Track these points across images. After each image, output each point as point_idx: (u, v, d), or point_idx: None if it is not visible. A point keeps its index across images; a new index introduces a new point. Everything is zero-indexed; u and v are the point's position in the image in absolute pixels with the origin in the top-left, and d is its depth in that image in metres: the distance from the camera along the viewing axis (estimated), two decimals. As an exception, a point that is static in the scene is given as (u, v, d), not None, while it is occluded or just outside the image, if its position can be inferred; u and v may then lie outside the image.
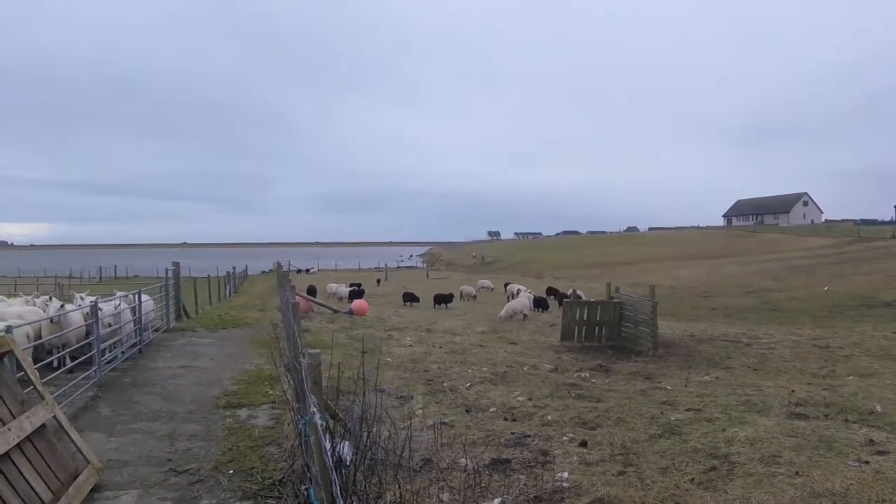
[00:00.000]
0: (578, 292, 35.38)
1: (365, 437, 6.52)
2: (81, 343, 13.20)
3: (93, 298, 14.33)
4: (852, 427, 9.46)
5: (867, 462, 7.67)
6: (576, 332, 19.88)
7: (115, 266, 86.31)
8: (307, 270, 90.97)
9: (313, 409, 5.12)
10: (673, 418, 9.93)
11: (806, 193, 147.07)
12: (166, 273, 22.29)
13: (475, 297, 43.55)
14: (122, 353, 14.80)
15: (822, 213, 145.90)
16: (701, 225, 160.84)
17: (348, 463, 6.31)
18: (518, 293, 36.22)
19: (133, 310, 15.83)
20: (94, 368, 12.01)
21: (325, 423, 5.61)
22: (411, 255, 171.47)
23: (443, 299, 37.35)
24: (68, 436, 7.35)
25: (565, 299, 25.94)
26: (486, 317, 28.66)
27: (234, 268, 52.75)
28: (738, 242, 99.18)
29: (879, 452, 8.06)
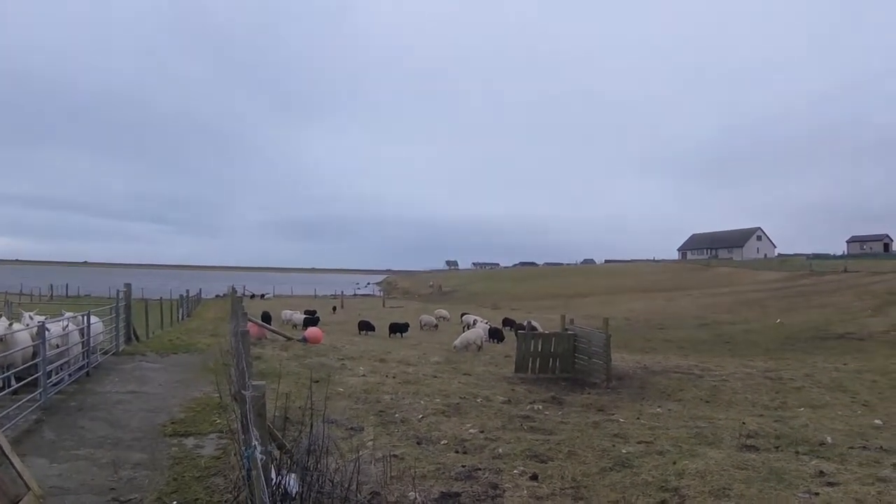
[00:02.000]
0: (534, 323, 35.49)
1: (313, 470, 6.40)
2: (27, 364, 12.87)
3: (41, 318, 14.00)
4: (803, 459, 9.52)
5: (817, 494, 7.71)
6: (530, 364, 19.85)
7: (67, 284, 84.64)
8: (262, 296, 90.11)
9: (255, 443, 5.01)
10: (624, 451, 9.90)
11: (759, 228, 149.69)
12: (117, 294, 21.88)
13: (436, 326, 43.54)
14: (69, 375, 14.47)
15: (776, 247, 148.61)
16: (656, 258, 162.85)
17: (294, 495, 6.18)
18: (474, 323, 36.26)
19: (81, 331, 15.48)
20: (39, 391, 11.70)
21: (270, 456, 5.50)
22: (368, 283, 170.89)
23: (398, 328, 37.26)
24: (9, 460, 7.11)
25: (519, 331, 25.96)
26: (441, 347, 28.58)
27: (187, 291, 52.14)
28: (693, 276, 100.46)
29: (829, 484, 8.11)
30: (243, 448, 5.79)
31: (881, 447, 10.41)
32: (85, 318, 15.89)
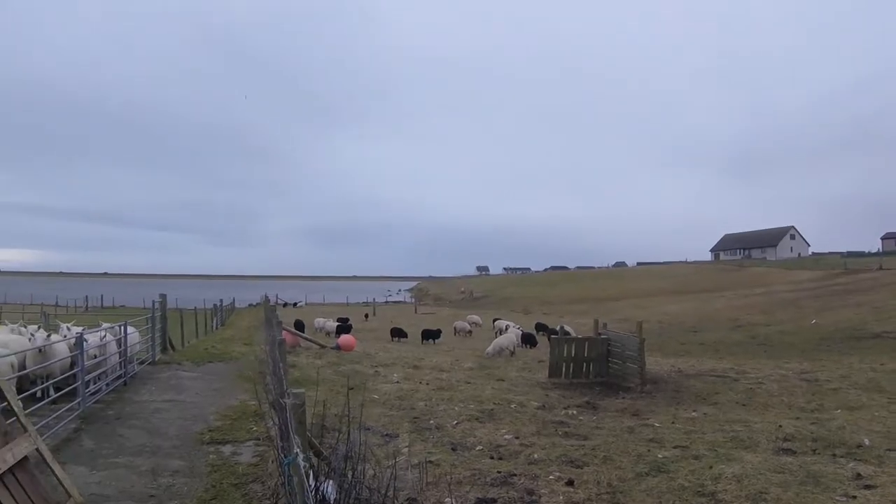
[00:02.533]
0: (567, 328, 35.41)
1: (350, 476, 6.47)
2: (66, 374, 13.09)
3: (79, 329, 14.22)
4: (840, 461, 9.46)
5: (854, 497, 7.67)
6: (563, 369, 19.82)
7: (102, 295, 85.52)
8: (295, 304, 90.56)
9: (297, 450, 5.08)
10: (660, 456, 9.89)
11: (793, 227, 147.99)
12: (153, 305, 22.13)
13: (470, 332, 43.52)
14: (107, 385, 14.66)
15: (809, 245, 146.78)
16: (689, 259, 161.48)
17: (332, 502, 6.25)
18: (507, 329, 36.21)
19: (119, 341, 15.69)
20: (77, 400, 11.92)
21: (308, 463, 5.57)
22: (399, 290, 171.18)
23: (431, 335, 37.30)
24: (50, 468, 7.26)
25: (553, 336, 25.92)
26: (474, 353, 28.57)
27: (220, 300, 52.56)
28: (726, 277, 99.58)
29: (867, 486, 8.06)
30: (282, 455, 5.88)
31: (920, 449, 10.30)
32: (122, 328, 16.12)
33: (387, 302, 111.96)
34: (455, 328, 43.79)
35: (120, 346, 15.70)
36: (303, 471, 4.94)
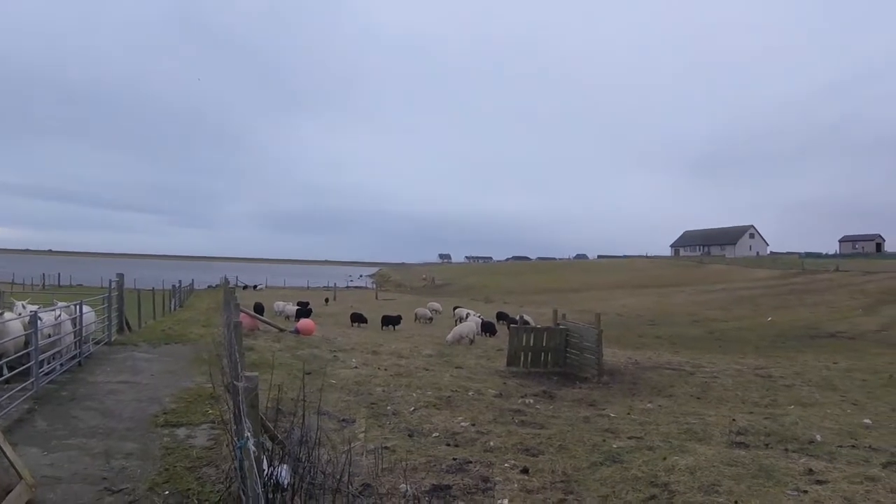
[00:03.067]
0: (526, 317, 35.53)
1: (304, 461, 6.43)
2: (20, 353, 12.84)
3: (33, 307, 13.97)
4: (792, 456, 9.58)
5: (805, 491, 7.76)
6: (522, 358, 19.92)
7: (59, 274, 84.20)
8: (254, 287, 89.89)
9: (248, 434, 5.03)
10: (615, 446, 9.95)
11: (752, 226, 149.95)
12: (109, 284, 21.82)
13: (430, 319, 43.49)
14: (62, 365, 14.39)
15: (768, 245, 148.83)
16: (649, 254, 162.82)
17: (286, 486, 6.20)
18: (467, 317, 36.28)
19: (74, 321, 15.44)
20: (31, 380, 11.70)
21: (262, 447, 5.53)
22: (361, 276, 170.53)
23: (391, 321, 37.26)
24: (1, 450, 7.12)
25: (512, 325, 26.02)
26: (434, 340, 28.60)
27: (179, 281, 52.04)
28: (685, 272, 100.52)
29: (818, 482, 8.16)
30: (236, 439, 5.82)
31: (870, 446, 10.49)
32: (77, 307, 15.86)
33: (348, 287, 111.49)
34: (416, 314, 43.78)
35: (75, 326, 15.45)
36: (253, 455, 4.88)
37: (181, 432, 10.02)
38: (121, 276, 23.19)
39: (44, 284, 73.44)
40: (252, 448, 4.86)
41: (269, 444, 7.21)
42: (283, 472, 6.33)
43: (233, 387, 7.10)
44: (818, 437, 10.93)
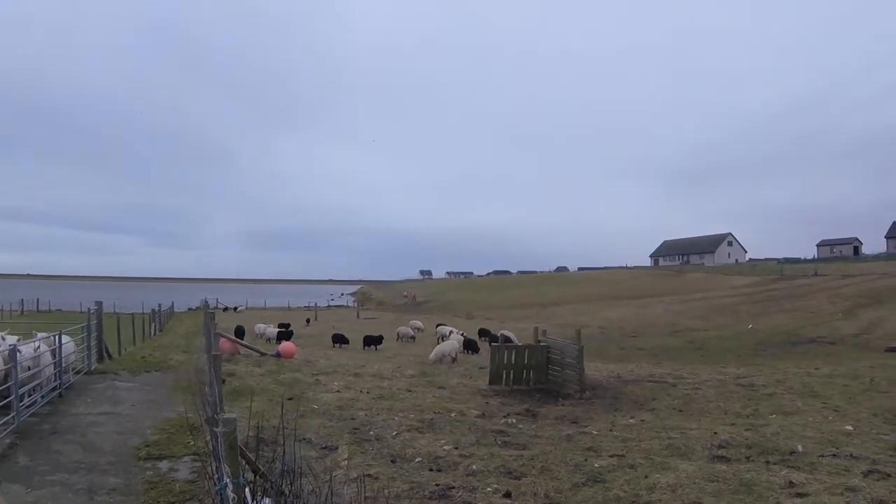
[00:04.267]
0: (507, 333, 35.52)
1: (287, 493, 6.41)
2: (0, 387, 12.74)
3: (13, 339, 13.86)
4: (773, 469, 9.64)
5: (785, 506, 7.82)
6: (504, 376, 19.90)
7: (38, 299, 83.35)
8: (235, 309, 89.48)
9: (227, 479, 5.04)
10: (597, 465, 9.98)
11: (730, 234, 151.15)
12: (88, 312, 21.66)
13: (413, 338, 43.43)
14: (42, 397, 14.28)
15: (746, 252, 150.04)
16: (629, 265, 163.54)
17: (269, 520, 6.19)
18: (449, 335, 36.28)
19: (53, 352, 15.31)
20: (12, 415, 11.58)
21: (242, 485, 5.52)
22: (342, 294, 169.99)
23: (372, 341, 37.19)
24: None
25: (493, 343, 26.04)
26: (416, 359, 28.53)
27: (159, 305, 51.74)
28: (665, 282, 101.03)
29: (798, 495, 8.23)
30: (216, 481, 5.81)
31: (851, 454, 10.55)
32: (57, 338, 15.74)
33: (329, 306, 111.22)
34: (398, 334, 43.74)
35: (55, 357, 15.33)
36: (232, 502, 4.90)
37: (163, 465, 9.95)
38: (99, 303, 23.06)
39: (22, 310, 72.68)
40: (231, 495, 4.86)
41: (250, 476, 7.18)
42: (266, 505, 6.31)
43: (213, 420, 7.09)
44: (799, 448, 11.00)
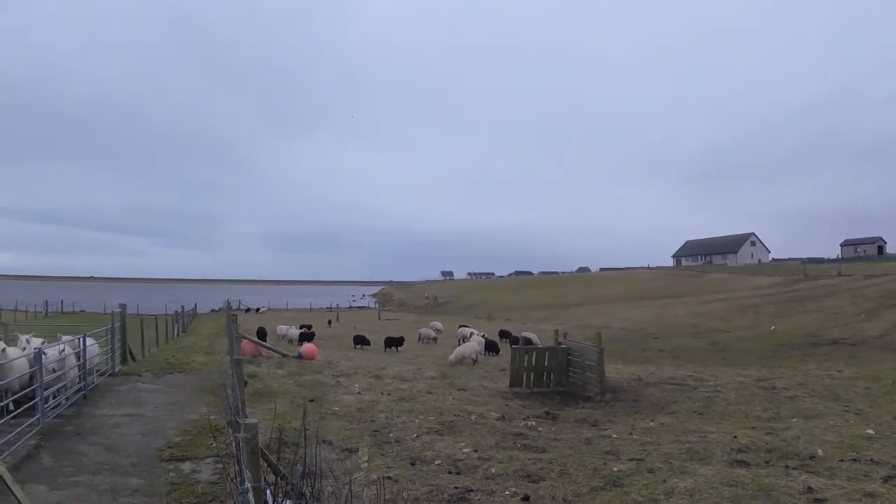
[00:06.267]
0: (528, 335, 35.51)
1: (308, 496, 6.48)
2: (25, 389, 12.92)
3: (38, 342, 14.06)
4: (792, 474, 9.59)
5: (804, 511, 7.82)
6: (524, 379, 19.94)
7: (62, 300, 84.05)
8: (257, 310, 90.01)
9: (248, 484, 5.13)
10: (616, 469, 9.99)
11: (753, 233, 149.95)
12: (112, 314, 21.88)
13: (434, 339, 43.50)
14: (67, 399, 14.50)
15: (769, 252, 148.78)
16: (651, 265, 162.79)
17: (291, 522, 6.27)
18: (470, 336, 36.30)
19: (78, 354, 15.52)
20: (37, 416, 11.76)
21: (263, 489, 5.60)
22: (364, 295, 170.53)
23: (393, 342, 37.30)
24: (10, 490, 7.21)
25: (514, 346, 26.08)
26: (437, 361, 28.57)
27: (182, 307, 52.15)
28: (687, 283, 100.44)
29: (817, 500, 8.21)
30: (238, 483, 5.90)
31: (871, 459, 10.47)
32: (81, 340, 15.94)
33: (350, 307, 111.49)
34: (420, 335, 43.84)
35: (79, 359, 15.53)
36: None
37: (186, 466, 10.09)
38: (123, 306, 23.32)
39: (46, 311, 73.26)
40: (252, 500, 4.95)
41: (272, 478, 7.27)
42: (287, 509, 6.40)
43: (235, 423, 7.19)
44: (819, 452, 10.94)
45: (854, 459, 10.52)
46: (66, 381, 14.57)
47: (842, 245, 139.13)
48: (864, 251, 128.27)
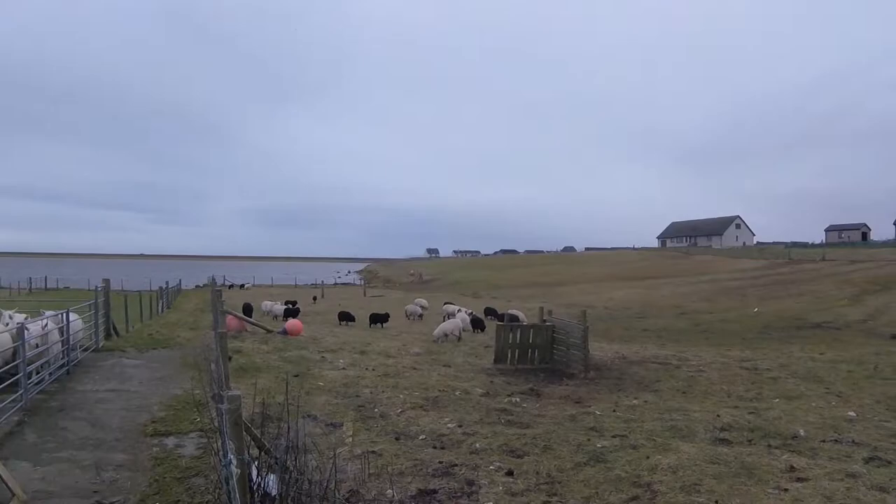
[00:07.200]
0: (515, 313, 35.57)
1: (292, 469, 6.49)
2: (8, 365, 12.83)
3: (21, 317, 13.97)
4: (774, 452, 9.68)
5: (786, 490, 7.88)
6: (509, 355, 19.99)
7: (46, 277, 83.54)
8: (242, 286, 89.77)
9: (230, 456, 5.12)
10: (599, 445, 10.06)
11: (738, 216, 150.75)
12: (96, 290, 21.77)
13: (421, 316, 43.48)
14: (50, 374, 14.42)
15: (754, 235, 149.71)
16: (636, 246, 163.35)
17: (274, 496, 6.28)
18: (456, 313, 36.32)
19: (61, 329, 15.42)
20: (20, 392, 11.71)
21: (247, 462, 5.60)
22: (349, 272, 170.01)
23: (379, 318, 37.28)
24: (-6, 468, 7.19)
25: (498, 323, 26.13)
26: (422, 337, 28.57)
27: (167, 282, 51.96)
28: (672, 264, 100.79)
29: (799, 479, 8.28)
30: (221, 456, 5.89)
31: (853, 440, 10.56)
32: (64, 315, 15.85)
33: (336, 284, 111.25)
34: (406, 311, 43.80)
35: (63, 335, 15.44)
36: (235, 478, 4.98)
37: (170, 441, 10.09)
38: (107, 281, 23.18)
39: (30, 288, 72.88)
40: (235, 471, 4.95)
41: (255, 452, 7.27)
42: (271, 482, 6.41)
43: (219, 398, 7.18)
44: (801, 432, 11.03)
45: (835, 440, 10.59)
46: (49, 356, 14.49)
47: (826, 230, 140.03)
48: (849, 237, 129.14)
